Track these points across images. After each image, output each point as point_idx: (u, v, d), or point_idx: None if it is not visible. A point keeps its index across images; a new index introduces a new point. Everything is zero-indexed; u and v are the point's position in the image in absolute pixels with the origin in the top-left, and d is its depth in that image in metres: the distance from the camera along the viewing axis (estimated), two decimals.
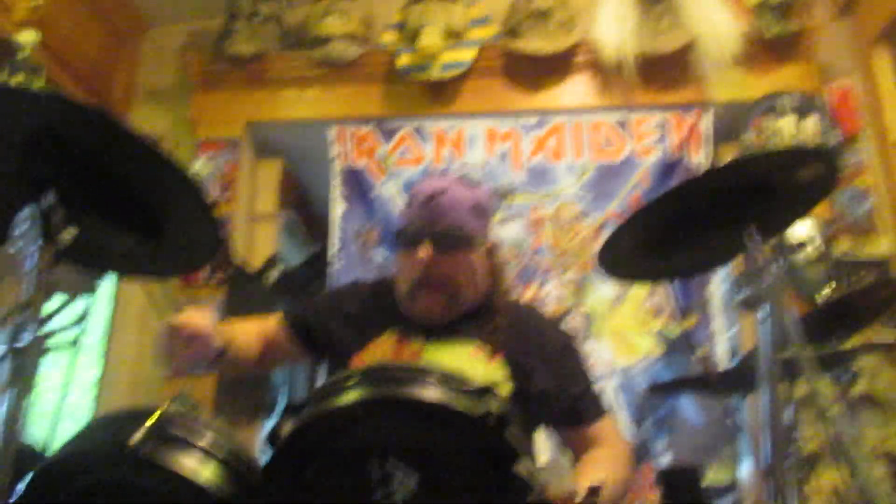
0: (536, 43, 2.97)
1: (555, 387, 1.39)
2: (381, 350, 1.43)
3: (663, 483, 2.28)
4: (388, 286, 1.52)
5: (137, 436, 0.92)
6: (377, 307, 1.52)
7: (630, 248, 1.31)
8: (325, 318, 1.55)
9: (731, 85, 2.91)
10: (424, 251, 1.39)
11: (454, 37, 2.99)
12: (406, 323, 1.45)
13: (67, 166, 1.01)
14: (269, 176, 3.29)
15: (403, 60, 2.99)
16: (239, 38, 3.11)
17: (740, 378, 2.01)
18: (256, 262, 3.01)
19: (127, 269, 1.17)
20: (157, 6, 3.25)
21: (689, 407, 2.62)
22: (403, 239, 1.44)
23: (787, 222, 1.31)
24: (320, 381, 1.28)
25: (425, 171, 2.97)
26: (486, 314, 1.46)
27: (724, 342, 2.69)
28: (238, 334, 1.47)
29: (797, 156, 1.26)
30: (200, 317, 1.33)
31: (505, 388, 1.34)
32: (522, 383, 1.37)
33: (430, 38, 2.94)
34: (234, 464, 0.99)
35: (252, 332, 1.54)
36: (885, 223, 2.74)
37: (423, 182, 1.55)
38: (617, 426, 1.48)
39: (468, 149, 3.00)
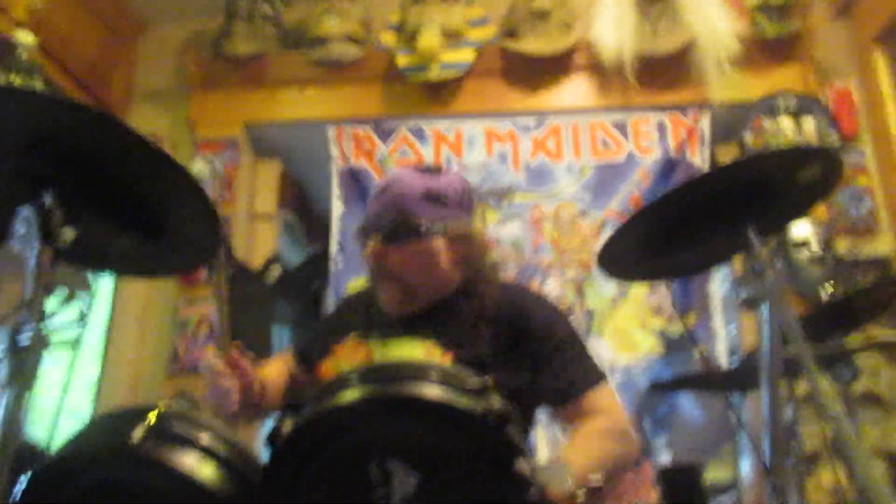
0: (535, 43, 2.97)
1: (525, 375, 1.32)
2: (341, 354, 1.40)
3: (663, 482, 2.28)
4: (365, 293, 1.53)
5: (138, 434, 0.92)
6: (350, 312, 1.52)
7: (631, 247, 1.31)
8: (321, 340, 1.54)
9: (729, 85, 2.90)
10: (372, 245, 1.39)
11: (453, 37, 2.99)
12: (369, 325, 1.43)
13: (67, 166, 1.01)
14: (268, 176, 3.28)
15: (402, 61, 2.99)
16: (238, 38, 3.10)
17: (740, 376, 2.02)
18: (256, 262, 3.01)
19: (127, 268, 1.17)
20: (155, 6, 3.24)
21: (689, 405, 2.62)
22: (359, 234, 1.45)
23: (788, 222, 1.32)
24: None
25: None
26: (452, 308, 1.40)
27: (723, 340, 2.70)
28: (269, 377, 1.48)
29: (798, 156, 1.26)
30: (245, 364, 1.38)
31: None
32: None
33: (429, 39, 2.93)
34: (234, 463, 0.99)
35: (279, 372, 1.54)
36: (885, 223, 2.74)
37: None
38: (609, 395, 1.35)
39: (467, 149, 3.00)
